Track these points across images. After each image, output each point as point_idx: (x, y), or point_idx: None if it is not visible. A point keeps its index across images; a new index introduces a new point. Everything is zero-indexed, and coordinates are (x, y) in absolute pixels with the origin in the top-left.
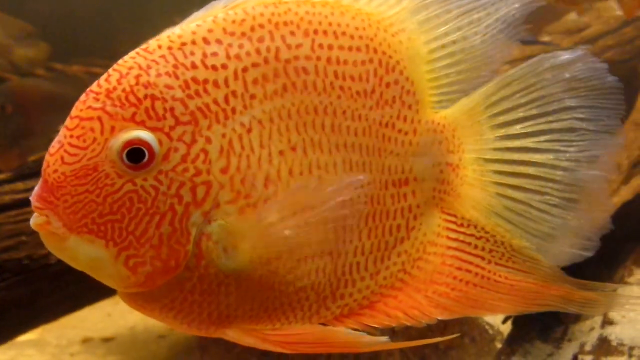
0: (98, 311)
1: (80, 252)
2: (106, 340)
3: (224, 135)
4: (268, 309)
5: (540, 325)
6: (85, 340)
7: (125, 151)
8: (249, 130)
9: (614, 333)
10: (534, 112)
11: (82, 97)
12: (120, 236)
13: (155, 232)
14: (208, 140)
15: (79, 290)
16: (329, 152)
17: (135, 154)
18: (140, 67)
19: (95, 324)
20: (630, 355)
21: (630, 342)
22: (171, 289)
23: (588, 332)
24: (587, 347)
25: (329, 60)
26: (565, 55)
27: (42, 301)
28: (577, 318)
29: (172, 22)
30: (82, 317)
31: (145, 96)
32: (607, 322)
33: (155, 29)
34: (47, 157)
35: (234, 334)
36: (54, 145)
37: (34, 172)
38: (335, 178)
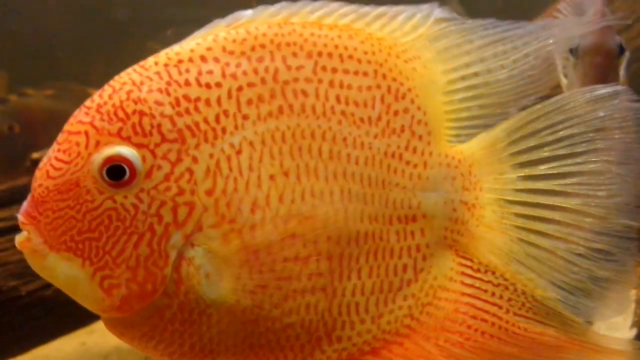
0: (72, 340)
1: (59, 271)
2: None
3: (211, 156)
4: (254, 346)
5: None
6: None
7: (106, 167)
8: (239, 152)
9: None
10: (562, 152)
11: (76, 111)
12: (97, 255)
13: (133, 252)
14: (194, 159)
15: (51, 322)
16: (325, 180)
17: (116, 170)
18: (133, 83)
19: (69, 354)
20: None
21: None
22: (151, 316)
23: None
24: None
25: (331, 83)
26: (603, 90)
27: (13, 333)
28: None
29: (146, 49)
30: (56, 346)
31: (134, 112)
32: None
33: (131, 56)
34: (36, 171)
35: None
36: (43, 159)
37: (6, 202)
38: (331, 208)
